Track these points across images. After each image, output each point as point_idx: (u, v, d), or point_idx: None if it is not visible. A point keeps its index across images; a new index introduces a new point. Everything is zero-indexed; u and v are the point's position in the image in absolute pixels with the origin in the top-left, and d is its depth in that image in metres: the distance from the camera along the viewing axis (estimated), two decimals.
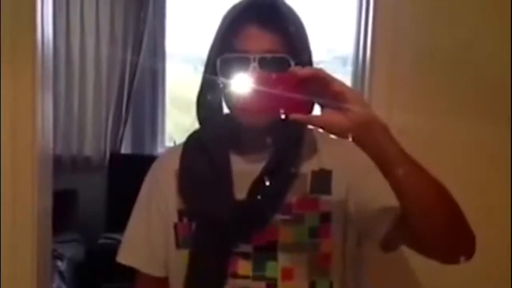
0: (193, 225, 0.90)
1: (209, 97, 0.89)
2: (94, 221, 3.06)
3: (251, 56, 0.82)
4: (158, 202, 0.94)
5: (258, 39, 0.84)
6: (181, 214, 0.91)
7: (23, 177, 1.30)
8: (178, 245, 0.92)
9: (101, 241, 2.84)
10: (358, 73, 1.37)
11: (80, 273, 2.78)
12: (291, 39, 0.85)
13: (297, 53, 0.84)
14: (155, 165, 1.00)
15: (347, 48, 2.82)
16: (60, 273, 2.56)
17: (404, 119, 1.21)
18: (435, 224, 0.74)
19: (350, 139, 0.73)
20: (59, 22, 3.01)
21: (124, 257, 0.97)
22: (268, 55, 0.83)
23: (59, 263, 2.58)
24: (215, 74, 0.86)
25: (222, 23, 0.87)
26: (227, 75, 0.83)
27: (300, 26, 0.87)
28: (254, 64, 0.82)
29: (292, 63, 0.83)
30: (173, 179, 0.93)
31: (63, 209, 2.75)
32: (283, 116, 0.72)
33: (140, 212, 0.97)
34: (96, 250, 2.78)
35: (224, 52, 0.85)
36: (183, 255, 0.90)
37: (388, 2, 1.27)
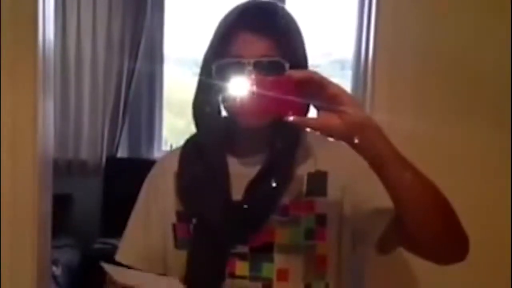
0: (191, 227, 0.91)
1: (205, 100, 0.90)
2: (90, 226, 3.05)
3: (246, 61, 0.84)
4: (157, 203, 0.96)
5: (252, 44, 0.85)
6: (179, 215, 0.93)
7: (23, 181, 1.31)
8: (176, 246, 0.93)
9: (97, 246, 2.82)
10: (360, 77, 1.38)
11: (75, 279, 2.76)
12: (284, 43, 0.86)
13: (291, 57, 0.85)
14: (155, 167, 1.01)
15: (344, 52, 2.84)
16: (55, 278, 2.54)
17: (405, 123, 1.22)
18: (428, 225, 0.75)
19: (345, 142, 0.73)
20: (56, 25, 2.99)
21: (122, 256, 0.97)
22: (263, 59, 0.84)
23: (54, 268, 2.55)
24: (211, 78, 0.87)
25: (217, 29, 0.89)
26: (222, 80, 0.84)
27: (296, 31, 0.88)
28: (249, 68, 0.83)
29: (287, 66, 0.85)
30: (172, 180, 0.94)
31: (59, 214, 2.73)
32: (279, 118, 0.73)
33: (139, 212, 0.98)
34: (92, 255, 2.75)
35: (219, 57, 0.86)
36: (182, 255, 0.91)
37: (390, 6, 1.28)
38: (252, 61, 0.83)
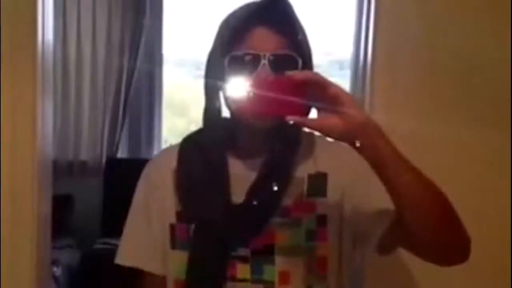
0: (191, 228, 0.90)
1: (213, 100, 0.89)
2: (90, 226, 3.05)
3: (261, 54, 0.83)
4: (156, 201, 0.94)
5: (267, 39, 0.85)
6: (179, 215, 0.92)
7: (23, 182, 1.30)
8: (173, 246, 0.92)
9: (97, 246, 2.82)
10: (358, 77, 1.38)
11: (76, 279, 2.76)
12: (297, 40, 0.86)
13: (303, 53, 0.86)
14: (150, 165, 0.99)
15: (344, 51, 2.84)
16: (56, 279, 2.54)
17: (404, 122, 1.22)
18: (430, 226, 0.74)
19: (346, 143, 0.74)
20: (56, 27, 2.99)
21: (124, 259, 0.96)
22: (277, 53, 0.84)
23: (55, 269, 2.55)
24: (221, 74, 0.86)
25: (227, 25, 0.88)
26: (235, 74, 0.83)
27: (303, 29, 0.88)
28: (264, 61, 0.83)
29: (300, 62, 0.85)
30: (170, 178, 0.93)
31: (59, 214, 2.73)
32: (280, 119, 0.73)
33: (138, 212, 0.97)
34: (92, 256, 2.76)
35: (232, 51, 0.85)
36: (177, 256, 0.90)
37: (388, 5, 1.28)
38: (268, 54, 0.83)
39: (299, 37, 0.86)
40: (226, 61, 0.85)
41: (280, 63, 0.83)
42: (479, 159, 1.29)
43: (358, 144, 0.72)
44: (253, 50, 0.84)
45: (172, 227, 0.92)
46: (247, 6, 0.87)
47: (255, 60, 0.83)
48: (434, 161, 1.11)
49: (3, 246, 1.29)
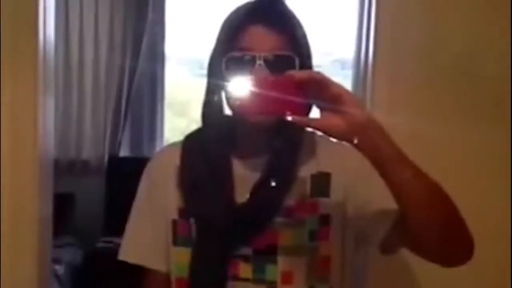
0: (192, 226, 0.90)
1: (214, 99, 0.89)
2: (92, 225, 3.05)
3: (257, 54, 0.83)
4: (159, 197, 0.94)
5: (263, 39, 0.85)
6: (181, 212, 0.92)
7: (24, 181, 1.30)
8: (174, 243, 0.92)
9: (99, 245, 2.82)
10: (360, 76, 1.38)
11: (78, 278, 2.77)
12: (295, 39, 0.86)
13: (301, 53, 0.85)
14: (152, 162, 0.99)
15: (345, 51, 2.84)
16: (58, 278, 2.55)
17: (405, 122, 1.22)
18: (432, 226, 0.74)
19: (348, 143, 0.73)
20: (57, 25, 3.00)
21: (127, 255, 0.96)
22: (274, 53, 0.84)
23: (57, 268, 2.56)
24: (220, 74, 0.86)
25: (226, 24, 0.88)
26: (232, 74, 0.83)
27: (302, 28, 0.88)
28: (260, 62, 0.82)
29: (297, 62, 0.84)
30: (173, 175, 0.93)
31: (61, 213, 2.74)
32: (281, 118, 0.73)
33: (141, 208, 0.97)
34: (94, 254, 2.77)
35: (229, 51, 0.85)
36: (178, 253, 0.91)
37: (390, 5, 1.28)
38: (263, 54, 0.83)
39: (297, 36, 0.86)
40: (223, 62, 0.85)
41: (276, 63, 0.83)
42: (479, 159, 1.29)
43: (358, 142, 0.72)
44: (248, 50, 0.84)
45: (174, 223, 0.92)
46: (245, 5, 0.88)
47: (251, 60, 0.83)
48: (435, 160, 1.11)
49: (4, 245, 1.29)
